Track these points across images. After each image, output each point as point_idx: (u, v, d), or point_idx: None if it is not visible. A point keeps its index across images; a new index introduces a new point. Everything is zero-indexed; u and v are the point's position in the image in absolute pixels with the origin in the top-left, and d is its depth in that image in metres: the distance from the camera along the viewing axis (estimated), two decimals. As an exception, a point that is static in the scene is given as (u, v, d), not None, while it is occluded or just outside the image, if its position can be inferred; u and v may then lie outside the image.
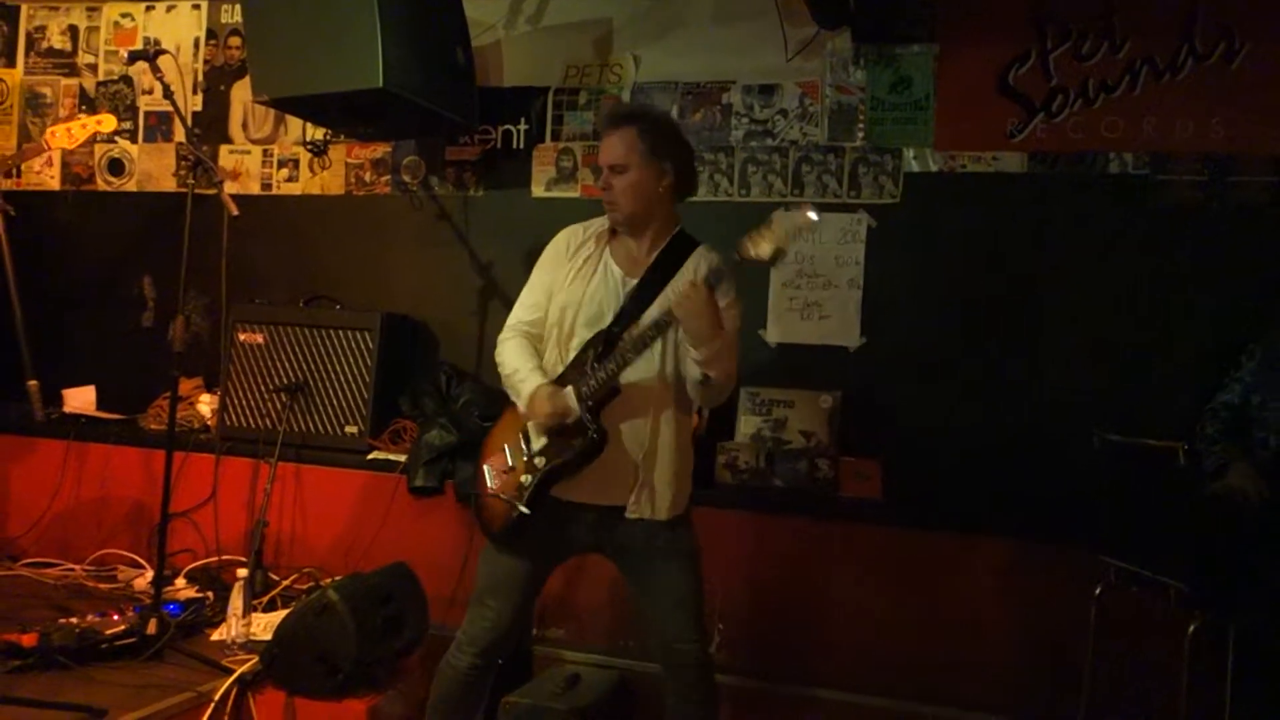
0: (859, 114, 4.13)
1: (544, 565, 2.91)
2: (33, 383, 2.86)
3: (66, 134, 3.95)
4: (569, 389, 2.71)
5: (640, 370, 2.71)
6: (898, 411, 4.01)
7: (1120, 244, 3.84)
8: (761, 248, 2.51)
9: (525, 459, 2.79)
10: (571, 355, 2.78)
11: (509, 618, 2.86)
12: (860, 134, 4.13)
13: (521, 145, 4.54)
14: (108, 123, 4.02)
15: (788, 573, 3.70)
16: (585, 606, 3.84)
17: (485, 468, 2.89)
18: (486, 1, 4.51)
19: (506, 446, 2.85)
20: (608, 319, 2.77)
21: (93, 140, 4.66)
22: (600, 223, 2.90)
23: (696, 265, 2.78)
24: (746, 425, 4.12)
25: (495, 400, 4.18)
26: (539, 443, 2.78)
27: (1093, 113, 3.88)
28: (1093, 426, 3.34)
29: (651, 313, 2.72)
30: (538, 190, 4.52)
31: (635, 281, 2.80)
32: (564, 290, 2.83)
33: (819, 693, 3.57)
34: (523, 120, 4.53)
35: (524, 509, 2.74)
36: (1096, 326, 3.84)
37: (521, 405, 2.78)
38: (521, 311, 2.91)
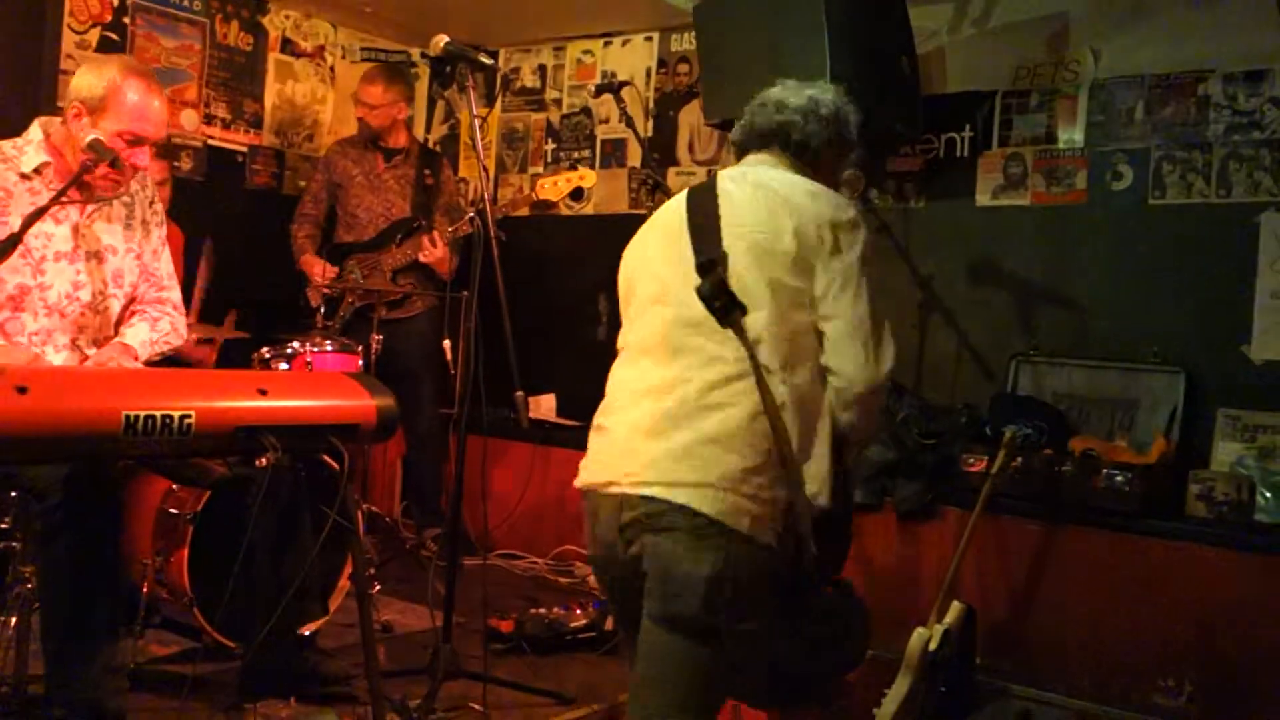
0: (1375, 96, 3.56)
1: None
2: (520, 393, 3.15)
3: (553, 187, 4.39)
4: None
5: None
6: None
7: None
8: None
9: None
10: None
11: None
12: (1377, 119, 3.56)
13: (965, 153, 4.35)
14: (589, 178, 4.42)
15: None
16: (1035, 637, 3.61)
17: None
18: (930, 7, 4.38)
19: None
20: None
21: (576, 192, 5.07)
22: None
23: None
24: (1224, 453, 3.71)
25: (936, 417, 4.07)
26: None
27: None
28: None
29: None
30: (983, 199, 4.30)
31: None
32: None
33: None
34: (967, 126, 4.35)
35: None
36: None
37: None
38: None
